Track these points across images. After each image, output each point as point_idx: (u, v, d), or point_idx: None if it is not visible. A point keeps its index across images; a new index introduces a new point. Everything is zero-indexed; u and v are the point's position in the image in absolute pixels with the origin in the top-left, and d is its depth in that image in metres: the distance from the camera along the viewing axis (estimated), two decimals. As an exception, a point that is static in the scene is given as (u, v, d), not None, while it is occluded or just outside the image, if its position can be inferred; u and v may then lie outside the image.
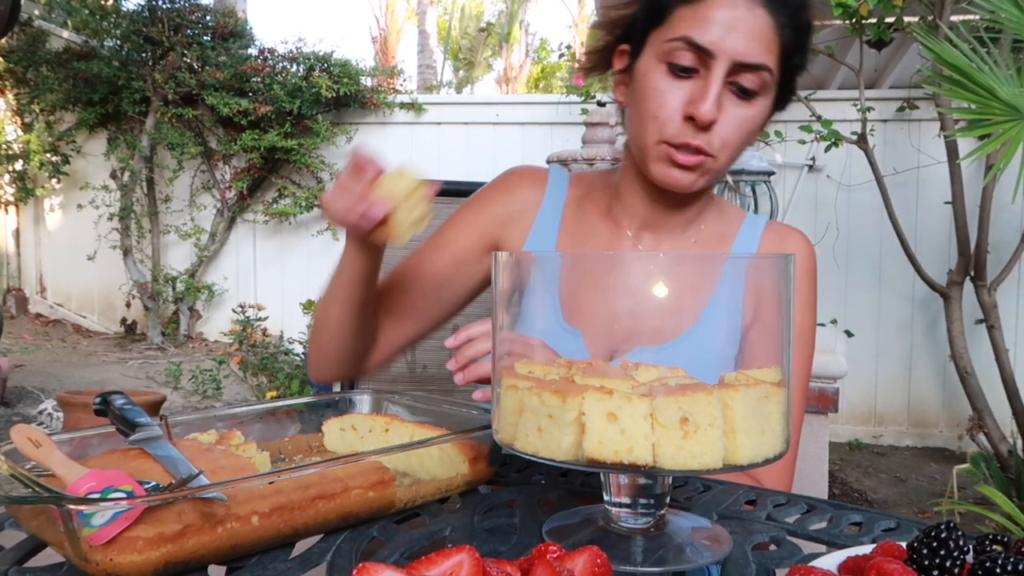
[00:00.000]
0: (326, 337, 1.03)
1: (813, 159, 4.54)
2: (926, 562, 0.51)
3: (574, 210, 1.08)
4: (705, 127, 0.90)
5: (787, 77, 0.95)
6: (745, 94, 0.91)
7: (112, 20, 5.69)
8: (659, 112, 0.92)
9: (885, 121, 4.48)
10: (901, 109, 4.39)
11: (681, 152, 0.92)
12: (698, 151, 0.92)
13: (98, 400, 0.77)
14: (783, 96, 0.97)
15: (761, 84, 0.91)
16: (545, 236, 1.06)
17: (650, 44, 0.93)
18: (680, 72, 0.90)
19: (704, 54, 0.89)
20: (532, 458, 0.61)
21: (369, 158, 0.85)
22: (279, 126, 5.26)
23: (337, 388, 1.59)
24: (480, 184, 1.18)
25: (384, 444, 0.83)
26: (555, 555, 0.50)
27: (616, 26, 1.00)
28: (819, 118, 3.52)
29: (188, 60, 5.45)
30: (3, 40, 5.51)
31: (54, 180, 5.85)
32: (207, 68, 5.37)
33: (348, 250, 0.95)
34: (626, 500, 0.65)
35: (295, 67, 5.47)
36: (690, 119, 0.90)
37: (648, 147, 0.94)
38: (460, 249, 1.08)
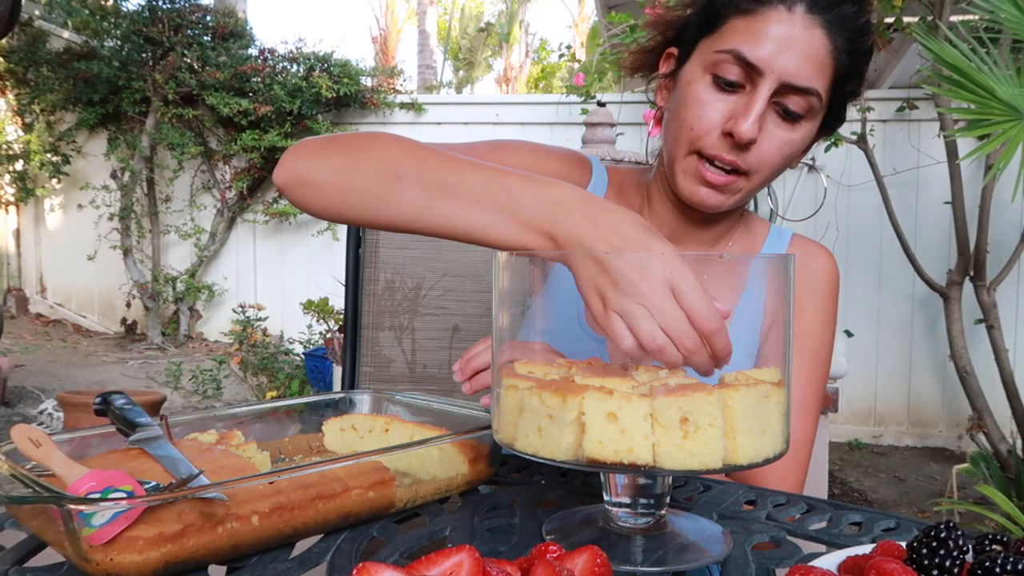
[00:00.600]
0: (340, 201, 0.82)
1: (813, 159, 4.54)
2: (926, 562, 0.51)
3: None
4: (743, 146, 0.87)
5: (837, 103, 0.91)
6: (790, 116, 0.87)
7: (112, 20, 5.70)
8: (696, 123, 0.88)
9: (885, 121, 4.48)
10: (901, 109, 4.39)
11: (712, 170, 0.89)
12: (732, 170, 0.88)
13: (98, 400, 0.77)
14: (830, 123, 0.93)
15: (808, 108, 0.87)
16: None
17: (699, 51, 0.90)
18: (725, 86, 0.87)
19: (752, 70, 0.85)
20: (532, 458, 0.61)
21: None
22: (279, 126, 5.26)
23: (337, 388, 1.59)
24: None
25: (384, 444, 0.83)
26: (555, 555, 0.51)
27: (669, 27, 0.97)
28: (819, 118, 3.51)
29: (188, 60, 5.45)
30: (3, 40, 5.51)
31: (54, 180, 5.85)
32: (207, 68, 5.38)
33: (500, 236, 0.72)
34: (626, 500, 0.65)
35: (295, 67, 5.47)
36: (728, 135, 0.87)
37: (678, 158, 0.91)
38: (517, 162, 1.00)
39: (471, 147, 1.01)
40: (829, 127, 0.95)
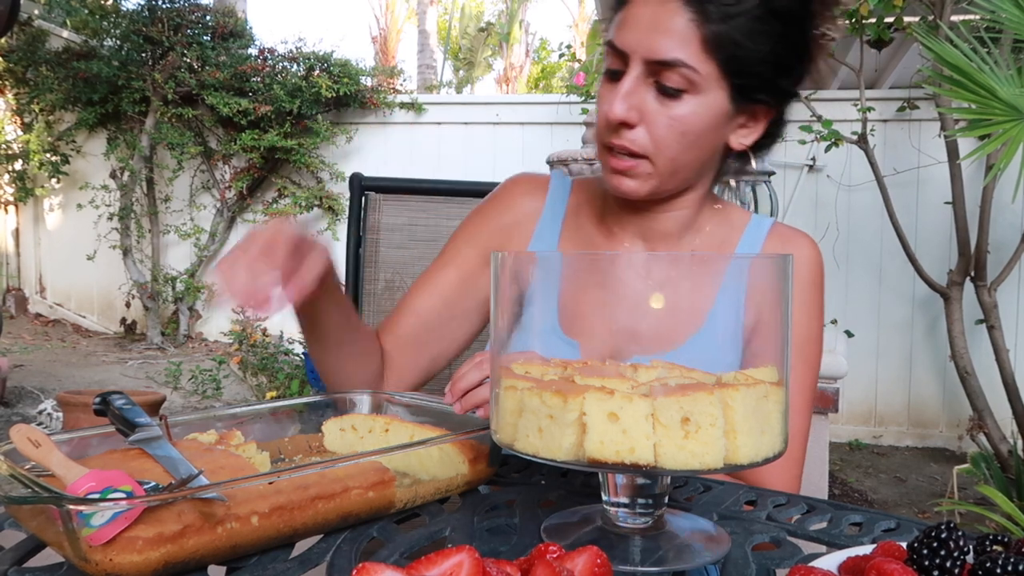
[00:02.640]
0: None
1: (813, 159, 4.54)
2: (926, 562, 0.51)
3: (573, 220, 1.06)
4: (620, 126, 0.89)
5: (744, 69, 0.88)
6: (668, 92, 0.87)
7: (112, 20, 5.70)
8: (598, 118, 0.92)
9: (885, 121, 4.48)
10: (901, 109, 4.39)
11: (614, 156, 0.91)
12: (628, 154, 0.90)
13: (98, 400, 0.77)
14: (747, 91, 0.90)
15: (686, 81, 0.86)
16: (545, 247, 1.05)
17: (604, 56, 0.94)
18: (612, 76, 0.90)
19: (622, 56, 0.88)
20: (532, 458, 0.61)
21: (277, 235, 0.80)
22: (279, 126, 5.26)
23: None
24: (479, 184, 1.18)
25: (384, 444, 0.83)
26: (555, 555, 0.50)
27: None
28: (819, 118, 3.52)
29: (188, 60, 5.45)
30: (3, 40, 5.51)
31: (54, 180, 5.85)
32: (207, 68, 5.38)
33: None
34: (624, 500, 0.65)
35: (295, 67, 5.47)
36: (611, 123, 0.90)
37: (600, 156, 0.95)
38: (463, 266, 1.07)
39: (436, 265, 1.09)
40: (751, 98, 0.91)
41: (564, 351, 0.77)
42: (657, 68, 0.86)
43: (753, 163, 1.00)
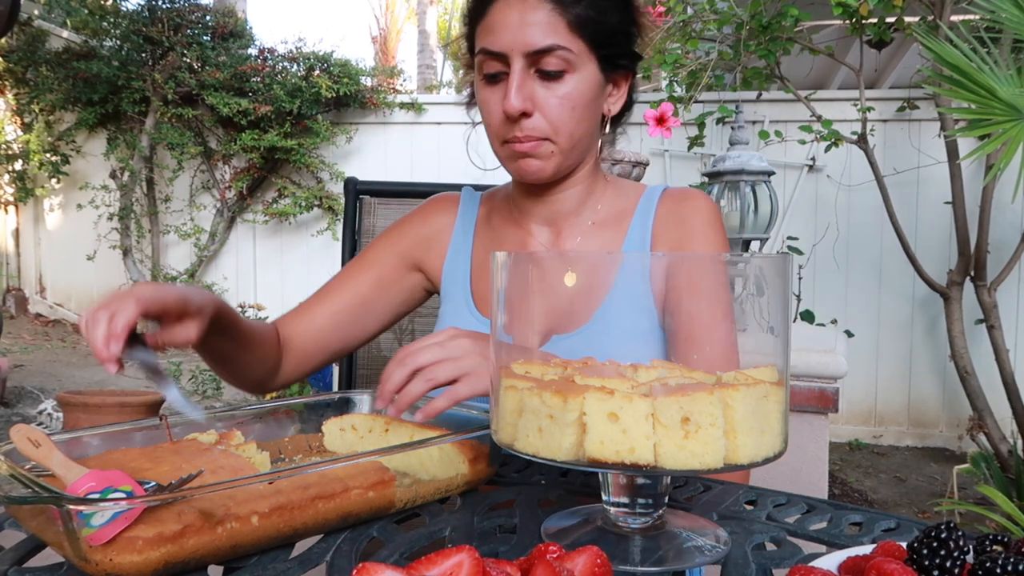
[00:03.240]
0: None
1: (813, 159, 4.54)
2: (926, 562, 0.51)
3: (485, 224, 1.17)
4: (520, 117, 0.98)
5: (604, 44, 1.00)
6: (551, 76, 0.97)
7: (112, 20, 5.69)
8: (489, 119, 1.02)
9: (885, 121, 4.48)
10: (901, 109, 4.39)
11: (517, 143, 1.00)
12: (529, 138, 0.99)
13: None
14: (617, 63, 1.03)
15: (564, 62, 0.97)
16: (461, 251, 1.16)
17: (475, 66, 1.03)
18: (492, 79, 1.00)
19: (500, 58, 0.97)
20: (532, 459, 0.61)
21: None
22: (279, 126, 5.26)
23: (336, 388, 1.59)
24: (475, 186, 1.25)
25: (384, 444, 0.83)
26: (555, 555, 0.50)
27: (464, 61, 1.11)
28: (819, 118, 3.52)
29: (188, 60, 5.45)
30: (3, 40, 5.51)
31: (54, 180, 5.85)
32: (207, 68, 5.37)
33: None
34: (624, 500, 0.65)
35: (295, 67, 5.46)
36: (508, 116, 0.98)
37: (497, 152, 1.04)
38: (383, 270, 1.17)
39: (342, 274, 1.18)
40: (622, 67, 1.04)
41: (479, 328, 1.02)
42: (536, 57, 0.96)
43: (617, 128, 1.12)
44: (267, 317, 5.22)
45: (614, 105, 1.07)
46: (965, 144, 3.66)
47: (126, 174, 5.54)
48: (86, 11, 5.66)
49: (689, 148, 3.77)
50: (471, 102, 1.15)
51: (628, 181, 1.17)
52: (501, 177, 1.15)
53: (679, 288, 0.69)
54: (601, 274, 0.68)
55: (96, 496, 0.57)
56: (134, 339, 0.81)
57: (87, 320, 0.80)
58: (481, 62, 1.00)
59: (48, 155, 5.72)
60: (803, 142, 3.75)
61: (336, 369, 1.60)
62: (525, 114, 0.98)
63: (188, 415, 0.78)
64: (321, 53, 5.47)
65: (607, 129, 1.10)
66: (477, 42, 1.01)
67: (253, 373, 1.08)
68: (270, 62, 5.53)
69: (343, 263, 1.57)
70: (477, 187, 1.25)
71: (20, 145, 5.89)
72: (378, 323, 1.18)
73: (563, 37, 0.97)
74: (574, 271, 0.64)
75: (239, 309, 5.15)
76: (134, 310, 0.80)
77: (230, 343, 1.00)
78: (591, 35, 0.99)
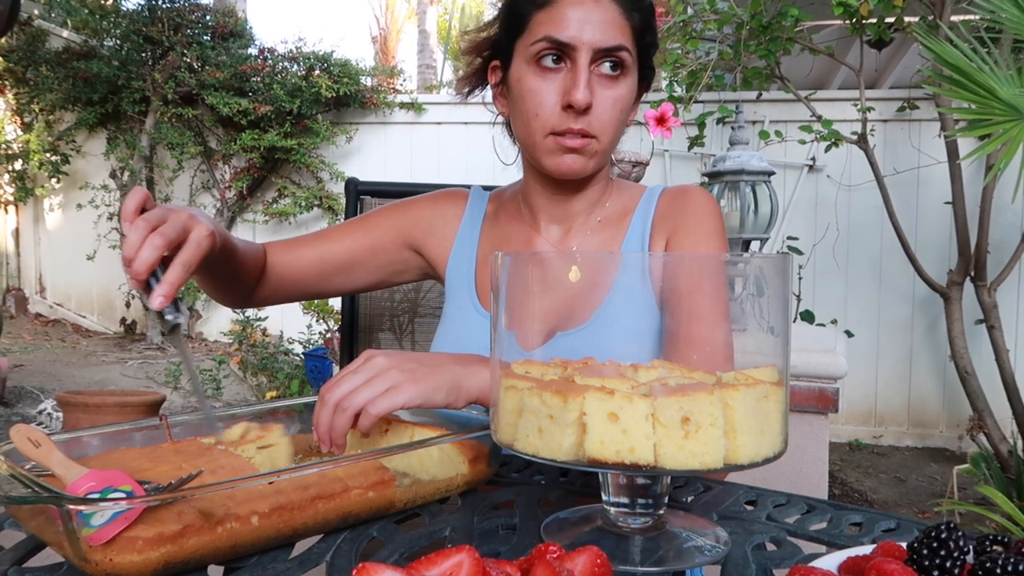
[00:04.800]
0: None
1: (813, 159, 4.54)
2: (926, 563, 0.51)
3: (492, 221, 1.19)
4: (583, 111, 0.99)
5: (644, 56, 1.05)
6: (611, 76, 1.00)
7: (112, 20, 5.69)
8: (539, 109, 1.00)
9: (885, 121, 4.48)
10: (901, 109, 4.39)
11: (569, 137, 1.00)
12: (582, 135, 1.00)
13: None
14: (645, 75, 1.07)
15: (622, 65, 1.00)
16: (466, 247, 1.17)
17: (518, 52, 1.03)
18: (549, 69, 1.00)
19: (566, 48, 0.98)
20: (532, 459, 0.61)
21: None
22: (279, 126, 5.26)
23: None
24: (479, 185, 1.23)
25: (384, 444, 0.83)
26: (555, 555, 0.50)
27: (484, 47, 1.12)
28: (819, 118, 3.52)
29: (188, 60, 5.45)
30: (3, 40, 5.51)
31: (54, 180, 5.85)
32: (207, 68, 5.37)
33: None
34: (625, 500, 0.65)
35: (295, 67, 5.46)
36: (568, 107, 0.99)
37: (537, 143, 1.03)
38: (379, 239, 1.18)
39: (345, 225, 1.20)
40: (646, 79, 1.08)
41: (483, 323, 1.08)
42: (602, 55, 0.98)
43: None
44: (267, 317, 5.22)
45: (632, 116, 1.10)
46: (965, 144, 3.66)
47: (126, 174, 5.54)
48: (86, 11, 5.65)
49: (689, 148, 3.77)
50: (471, 92, 1.16)
51: (630, 183, 1.19)
52: (500, 179, 1.16)
53: (678, 288, 0.69)
54: (601, 272, 0.69)
55: (96, 496, 0.57)
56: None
57: (138, 230, 0.86)
58: (540, 50, 0.99)
59: (48, 155, 5.72)
60: (803, 142, 3.75)
61: (336, 369, 1.60)
62: (589, 108, 0.99)
63: (196, 395, 0.80)
64: (321, 53, 5.47)
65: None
66: (538, 28, 1.00)
67: (234, 288, 1.10)
68: (270, 62, 5.53)
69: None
70: (485, 187, 1.26)
71: (20, 145, 5.89)
72: (357, 284, 1.21)
73: (627, 40, 1.00)
74: (578, 268, 0.64)
75: (239, 309, 5.16)
76: (196, 261, 0.86)
77: (228, 257, 1.01)
78: (642, 43, 1.03)
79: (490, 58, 1.11)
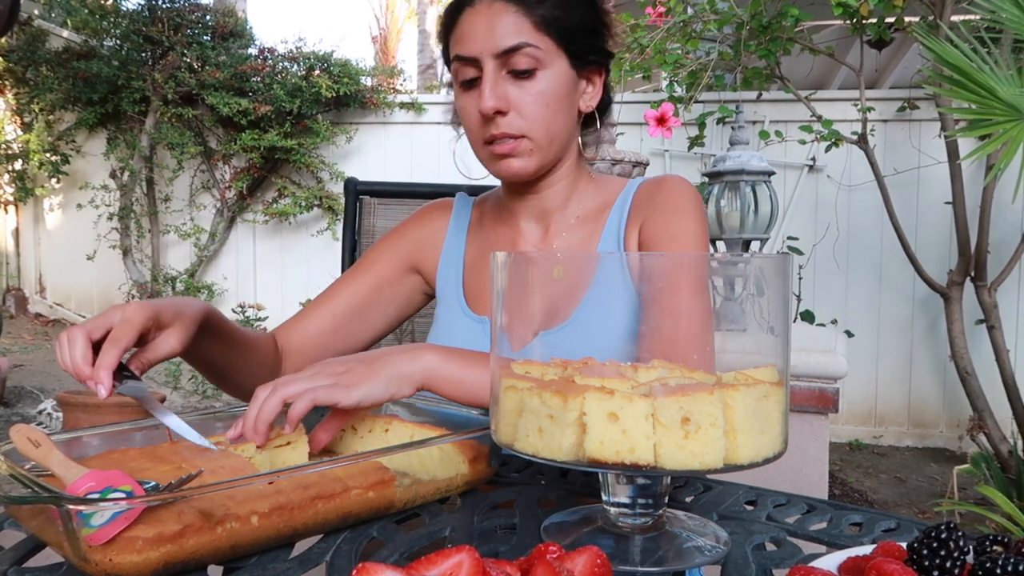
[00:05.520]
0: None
1: (813, 159, 4.54)
2: (926, 563, 0.51)
3: (477, 226, 1.21)
4: (495, 116, 1.01)
5: (570, 35, 1.03)
6: (523, 74, 1.01)
7: (112, 20, 5.69)
8: (469, 123, 1.05)
9: (885, 121, 4.48)
10: (902, 109, 4.39)
11: (497, 144, 1.03)
12: (510, 137, 1.02)
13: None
14: (581, 51, 1.05)
15: (533, 60, 1.01)
16: (454, 253, 1.19)
17: (453, 75, 1.07)
18: (468, 86, 1.04)
19: (472, 63, 1.02)
20: (532, 459, 0.61)
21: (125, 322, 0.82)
22: (279, 126, 5.25)
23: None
24: (475, 188, 1.30)
25: (384, 444, 0.83)
26: (555, 555, 0.50)
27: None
28: (819, 118, 3.52)
29: (188, 60, 5.45)
30: (3, 40, 5.51)
31: (54, 180, 5.84)
32: (207, 68, 5.37)
33: None
34: (625, 500, 0.65)
35: (295, 67, 5.46)
36: (484, 117, 1.02)
37: (479, 155, 1.07)
38: (382, 273, 1.20)
39: (344, 277, 1.21)
40: (585, 61, 1.06)
41: (472, 326, 1.10)
42: (506, 57, 1.00)
43: (599, 125, 1.15)
44: (267, 317, 5.22)
45: (590, 101, 1.10)
46: (965, 144, 3.66)
47: (126, 174, 5.54)
48: (86, 11, 5.65)
49: (689, 148, 3.77)
50: (455, 119, 1.17)
51: (613, 177, 1.20)
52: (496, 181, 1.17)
53: (656, 288, 0.69)
54: (579, 271, 0.70)
55: (96, 496, 0.57)
56: (117, 368, 0.79)
57: (64, 339, 0.80)
58: (456, 70, 1.04)
59: (48, 155, 5.72)
60: (803, 142, 3.75)
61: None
62: (500, 112, 1.01)
63: (193, 442, 0.76)
64: (321, 53, 5.47)
65: (597, 125, 1.14)
66: (452, 51, 1.05)
67: (250, 380, 1.05)
68: (270, 62, 5.53)
69: (343, 263, 1.57)
70: (472, 192, 1.28)
71: (20, 145, 5.89)
72: (377, 327, 1.20)
73: (530, 35, 1.01)
74: (560, 265, 0.65)
75: (239, 309, 5.16)
76: (129, 337, 0.80)
77: (221, 346, 0.98)
78: (557, 32, 1.02)
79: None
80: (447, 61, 1.08)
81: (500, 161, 1.04)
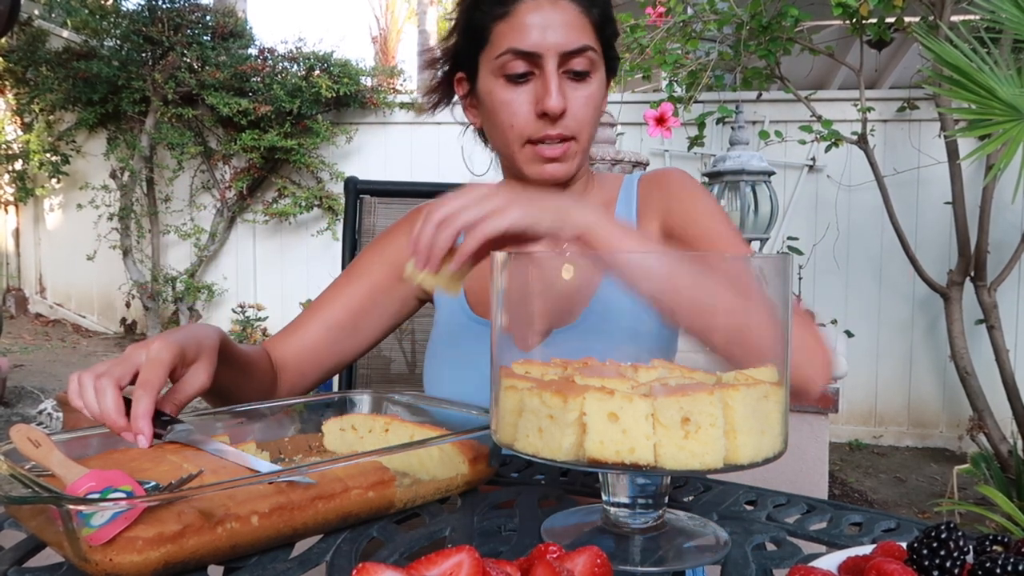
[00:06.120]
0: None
1: (813, 159, 4.54)
2: (926, 563, 0.51)
3: None
4: (559, 117, 0.99)
5: (607, 48, 1.05)
6: (580, 76, 1.00)
7: (112, 20, 5.69)
8: (514, 120, 1.00)
9: (885, 121, 4.48)
10: (901, 109, 4.39)
11: (547, 146, 1.01)
12: (561, 139, 1.00)
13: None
14: (610, 65, 1.07)
15: (589, 63, 1.00)
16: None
17: (483, 65, 1.02)
18: (518, 79, 1.00)
19: (532, 57, 0.98)
20: (532, 459, 0.61)
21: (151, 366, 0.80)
22: (279, 126, 5.25)
23: (336, 388, 1.59)
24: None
25: (384, 444, 0.83)
26: (555, 555, 0.50)
27: (446, 59, 1.11)
28: (819, 118, 3.52)
29: (188, 60, 5.45)
30: (3, 40, 5.51)
31: (54, 180, 5.84)
32: (207, 68, 5.37)
33: None
34: (625, 500, 0.65)
35: (295, 67, 5.46)
36: (543, 115, 0.99)
37: (516, 153, 1.03)
38: (374, 279, 1.15)
39: (337, 283, 1.16)
40: (612, 69, 1.08)
41: (475, 329, 1.06)
42: (568, 57, 0.98)
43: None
44: (267, 317, 5.22)
45: (604, 107, 1.09)
46: (965, 144, 3.66)
47: (126, 174, 5.54)
48: (86, 11, 5.65)
49: (689, 148, 3.77)
50: (437, 106, 1.15)
51: (607, 174, 1.20)
52: (501, 178, 1.16)
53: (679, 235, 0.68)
54: (588, 270, 0.69)
55: (96, 496, 0.57)
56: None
57: (86, 387, 0.77)
58: (505, 62, 0.99)
59: (48, 155, 5.72)
60: (803, 142, 3.75)
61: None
62: (564, 113, 0.99)
63: (260, 469, 0.70)
64: (321, 53, 5.47)
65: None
66: (501, 40, 0.99)
67: (249, 398, 1.03)
68: (270, 62, 5.53)
69: (343, 263, 1.57)
70: None
71: (20, 145, 5.89)
72: (372, 335, 1.16)
73: (590, 38, 1.00)
74: (571, 264, 0.64)
75: (239, 309, 5.16)
76: (160, 379, 0.77)
77: (231, 372, 0.96)
78: (605, 37, 1.03)
79: (452, 71, 1.10)
80: (476, 42, 1.02)
81: (545, 164, 1.02)
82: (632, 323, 0.74)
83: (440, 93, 1.15)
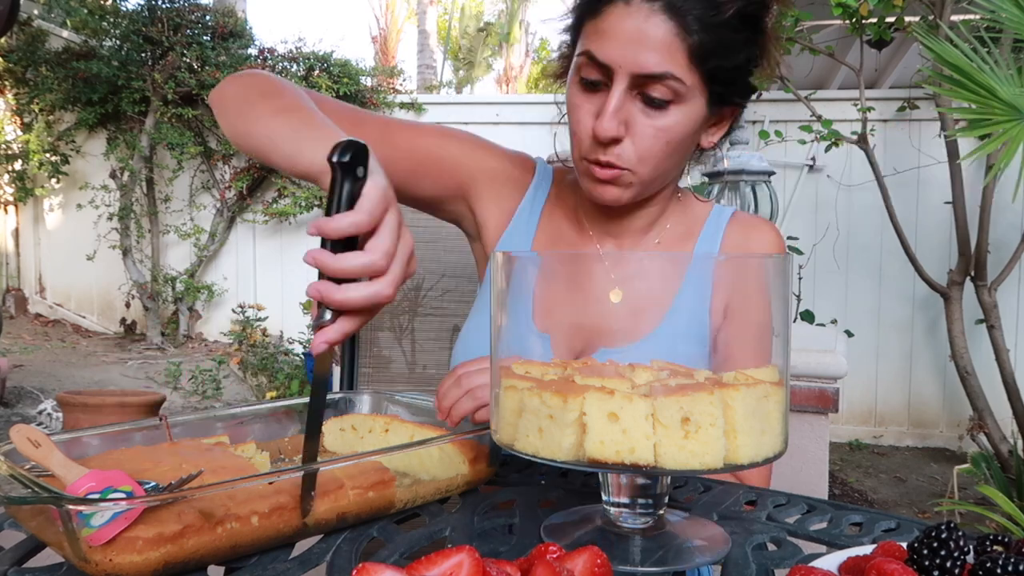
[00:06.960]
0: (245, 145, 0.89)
1: (813, 159, 4.54)
2: (926, 562, 0.51)
3: (550, 211, 1.07)
4: (606, 143, 0.88)
5: (721, 77, 0.89)
6: (655, 104, 0.87)
7: (112, 20, 5.69)
8: (576, 128, 0.92)
9: (885, 121, 4.48)
10: (901, 109, 4.39)
11: (597, 167, 0.91)
12: (610, 166, 0.90)
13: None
14: (725, 97, 0.92)
15: (671, 93, 0.86)
16: (522, 232, 1.05)
17: (574, 58, 0.92)
18: (589, 86, 0.90)
19: (605, 68, 0.87)
20: (532, 459, 0.61)
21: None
22: (279, 126, 5.25)
23: (336, 389, 1.59)
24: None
25: (384, 444, 0.83)
26: (555, 555, 0.50)
27: (567, 32, 0.99)
28: (819, 118, 3.52)
29: (188, 60, 5.45)
30: (3, 40, 5.51)
31: (53, 180, 5.85)
32: (207, 68, 5.37)
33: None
34: (625, 500, 0.65)
35: (295, 67, 5.46)
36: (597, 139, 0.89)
37: (576, 161, 0.95)
38: (452, 156, 1.04)
39: (417, 127, 1.05)
40: (725, 101, 0.93)
41: (536, 343, 0.80)
42: (644, 81, 0.86)
43: (716, 151, 1.02)
44: (267, 317, 5.22)
45: (712, 137, 0.97)
46: (965, 144, 3.66)
47: (126, 174, 5.54)
48: (86, 11, 5.65)
49: (689, 148, 3.77)
50: (560, 77, 1.01)
51: (695, 197, 1.09)
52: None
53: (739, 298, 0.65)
54: (659, 291, 0.64)
55: (96, 496, 0.57)
56: None
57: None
58: (581, 63, 0.89)
59: (48, 155, 5.72)
60: (803, 142, 3.75)
61: (337, 369, 1.59)
62: (616, 140, 0.88)
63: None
64: (321, 53, 5.47)
65: (712, 151, 1.01)
66: (583, 40, 0.89)
67: None
68: (270, 62, 5.53)
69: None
70: (550, 161, 1.13)
71: (20, 145, 5.89)
72: (422, 192, 1.04)
73: (679, 66, 0.85)
74: (622, 289, 0.61)
75: (239, 309, 5.16)
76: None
77: None
78: (710, 69, 0.87)
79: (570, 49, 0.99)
80: (573, 33, 0.93)
81: (595, 185, 0.92)
82: (700, 349, 0.70)
83: (559, 69, 1.03)
